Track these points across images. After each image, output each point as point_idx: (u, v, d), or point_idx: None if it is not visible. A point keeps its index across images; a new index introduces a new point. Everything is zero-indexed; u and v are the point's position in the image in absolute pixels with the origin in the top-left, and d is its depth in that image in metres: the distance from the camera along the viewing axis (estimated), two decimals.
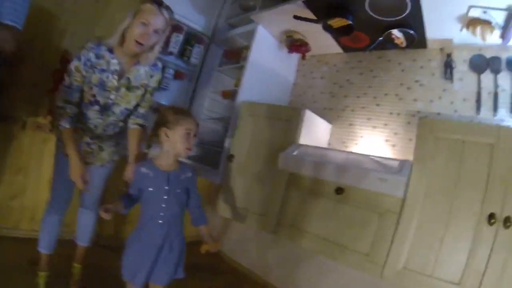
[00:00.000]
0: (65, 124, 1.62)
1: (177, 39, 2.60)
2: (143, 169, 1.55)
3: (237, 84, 2.71)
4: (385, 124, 2.21)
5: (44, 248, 1.82)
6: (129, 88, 1.73)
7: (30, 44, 1.57)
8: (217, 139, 2.84)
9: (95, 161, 1.87)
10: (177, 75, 2.75)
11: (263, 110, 2.18)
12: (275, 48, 2.64)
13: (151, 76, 1.79)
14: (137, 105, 1.82)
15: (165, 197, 1.51)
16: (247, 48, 2.62)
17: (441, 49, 2.07)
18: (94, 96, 1.68)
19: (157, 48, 1.72)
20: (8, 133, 2.20)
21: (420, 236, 1.51)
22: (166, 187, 1.52)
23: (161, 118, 1.56)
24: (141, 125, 1.87)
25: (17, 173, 2.26)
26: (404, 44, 2.08)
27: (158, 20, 1.60)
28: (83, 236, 1.98)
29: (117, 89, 1.70)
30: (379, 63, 2.37)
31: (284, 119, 2.05)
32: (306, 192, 1.86)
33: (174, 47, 2.60)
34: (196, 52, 2.75)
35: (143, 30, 1.58)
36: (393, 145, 2.13)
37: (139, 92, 1.78)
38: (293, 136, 1.99)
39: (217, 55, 2.98)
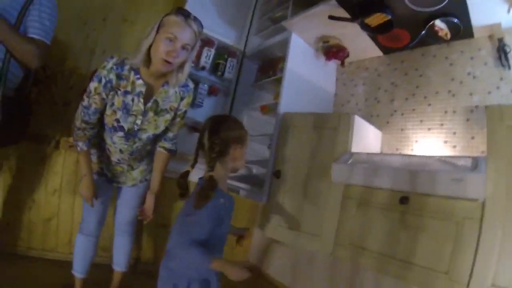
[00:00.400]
0: (83, 147, 1.61)
1: (209, 54, 2.52)
2: (222, 200, 1.32)
3: (276, 97, 2.60)
4: (441, 125, 1.99)
5: (78, 272, 1.79)
6: (157, 112, 1.58)
7: (61, 64, 1.54)
8: (259, 157, 2.71)
9: (126, 180, 1.83)
10: (212, 91, 2.65)
11: (308, 120, 2.01)
12: (312, 57, 2.50)
13: (182, 99, 1.63)
14: (166, 129, 1.71)
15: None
16: (283, 59, 2.49)
17: (490, 36, 1.86)
18: (118, 121, 1.55)
19: (187, 67, 1.53)
20: (42, 153, 2.22)
21: (508, 245, 1.23)
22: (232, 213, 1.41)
23: (234, 134, 1.37)
24: (168, 150, 1.77)
25: (52, 194, 2.24)
26: (448, 36, 1.88)
27: (186, 34, 1.39)
28: (119, 260, 1.93)
29: (143, 113, 1.55)
30: (423, 61, 2.17)
31: (332, 127, 1.87)
32: (365, 205, 1.64)
33: (206, 61, 2.51)
34: (230, 67, 2.66)
35: (170, 47, 1.37)
36: (454, 146, 1.90)
37: (168, 116, 1.63)
38: (344, 145, 1.80)
39: (251, 70, 2.88)
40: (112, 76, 1.46)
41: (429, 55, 2.16)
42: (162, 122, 1.62)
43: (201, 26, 1.46)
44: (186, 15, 1.40)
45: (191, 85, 1.67)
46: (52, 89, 1.86)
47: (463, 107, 1.93)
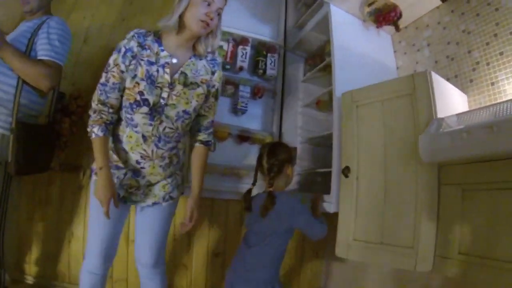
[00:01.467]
0: (99, 132, 1.35)
1: (244, 52, 2.26)
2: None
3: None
4: None
5: None
6: (186, 84, 1.42)
7: (92, 93, 1.42)
8: (321, 162, 2.37)
9: (145, 198, 1.52)
10: (256, 92, 2.34)
11: (373, 93, 1.61)
12: (361, 29, 2.13)
13: (213, 73, 1.51)
14: (198, 116, 1.53)
15: None
16: (328, 42, 2.16)
17: None
18: (142, 93, 1.35)
19: (219, 33, 1.47)
20: (76, 182, 2.16)
21: None
22: None
23: (286, 156, 1.68)
24: (205, 143, 1.58)
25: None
26: None
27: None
28: None
29: (170, 85, 1.38)
30: None
31: (407, 94, 1.46)
32: (476, 190, 1.15)
33: (243, 61, 2.25)
34: (271, 63, 2.35)
35: (207, 9, 1.34)
36: None
37: (201, 90, 1.47)
38: (427, 111, 1.37)
39: (298, 66, 2.56)
40: (133, 43, 1.36)
41: None
42: (194, 96, 1.45)
43: None
44: None
45: (219, 59, 1.58)
46: (84, 119, 1.75)
47: None
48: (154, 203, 1.53)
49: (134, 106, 1.36)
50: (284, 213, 1.57)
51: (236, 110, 2.27)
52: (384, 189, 1.47)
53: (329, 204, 1.71)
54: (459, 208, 1.19)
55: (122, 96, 1.40)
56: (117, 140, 1.45)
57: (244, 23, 2.36)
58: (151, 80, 1.36)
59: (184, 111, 1.43)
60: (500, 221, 1.06)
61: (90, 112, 1.39)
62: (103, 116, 1.37)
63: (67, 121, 1.94)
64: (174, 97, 1.40)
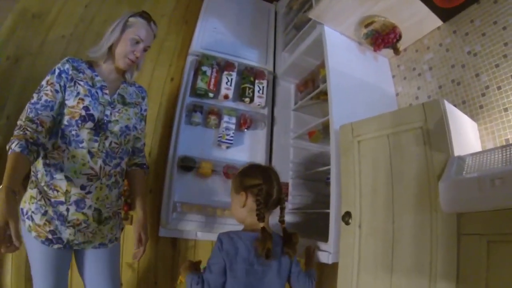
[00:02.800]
0: (16, 147, 1.14)
1: (229, 78, 2.04)
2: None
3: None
4: None
5: None
6: (125, 103, 1.47)
7: None
8: (319, 200, 2.14)
9: (93, 238, 1.37)
10: (243, 123, 2.10)
11: (377, 126, 1.39)
12: (357, 53, 1.95)
13: (143, 98, 1.58)
14: (133, 137, 1.50)
15: None
16: (322, 66, 1.96)
17: None
18: (87, 108, 1.32)
19: (140, 66, 1.56)
20: None
21: None
22: None
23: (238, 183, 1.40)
24: (141, 165, 1.57)
25: None
26: None
27: (149, 37, 1.48)
28: None
29: (110, 104, 1.41)
30: (499, 9, 1.57)
31: (418, 127, 1.23)
32: (506, 242, 0.92)
33: (228, 88, 2.03)
34: (259, 90, 2.13)
35: (135, 47, 1.44)
36: None
37: (137, 110, 1.52)
38: (442, 149, 1.15)
39: (288, 93, 2.36)
40: (68, 66, 1.36)
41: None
42: (133, 114, 1.49)
43: (157, 28, 1.54)
44: (150, 18, 1.50)
45: (144, 88, 1.64)
46: None
47: None
48: (100, 244, 1.41)
49: (79, 121, 1.31)
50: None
51: (220, 143, 2.02)
52: (392, 241, 1.21)
53: (327, 254, 1.45)
54: (484, 263, 0.95)
55: (54, 118, 1.29)
56: (53, 172, 1.29)
57: (229, 47, 2.17)
58: (94, 96, 1.36)
59: (127, 127, 1.44)
60: None
61: (15, 131, 1.22)
62: (27, 132, 1.20)
63: None
64: (116, 114, 1.41)
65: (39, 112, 1.26)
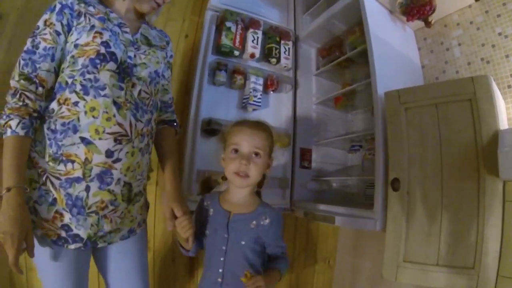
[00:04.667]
0: (18, 128, 1.01)
1: (255, 37, 2.12)
2: (205, 203, 1.37)
3: (344, 86, 2.25)
4: None
5: None
6: (151, 44, 1.32)
7: None
8: (340, 165, 2.37)
9: (121, 224, 1.22)
10: (270, 85, 2.22)
11: (424, 95, 1.57)
12: (388, 21, 2.11)
13: (167, 43, 1.45)
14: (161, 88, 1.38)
15: (224, 247, 1.26)
16: (350, 33, 2.14)
17: None
18: (107, 44, 1.13)
19: (160, 11, 1.44)
20: None
21: None
22: (226, 235, 1.26)
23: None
24: (171, 122, 1.47)
25: None
26: None
27: None
28: None
29: (133, 45, 1.24)
30: None
31: (466, 99, 1.44)
32: None
33: (254, 46, 2.11)
34: (286, 51, 2.25)
35: None
36: None
37: (164, 55, 1.39)
38: (490, 121, 1.37)
39: (309, 56, 2.51)
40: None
41: None
42: (162, 58, 1.35)
43: None
44: None
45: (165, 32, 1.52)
46: None
47: None
48: (129, 231, 1.26)
49: (97, 61, 1.11)
50: None
51: (246, 105, 2.13)
52: (441, 206, 1.44)
53: (373, 221, 1.64)
54: None
55: (56, 72, 1.14)
56: (63, 137, 1.09)
57: (252, 4, 2.24)
58: (114, 32, 1.18)
59: (156, 72, 1.29)
60: None
61: (8, 96, 1.07)
62: (28, 101, 1.06)
63: None
64: (142, 56, 1.25)
65: (37, 65, 1.09)
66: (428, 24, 2.11)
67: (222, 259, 1.26)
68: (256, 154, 1.28)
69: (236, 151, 1.27)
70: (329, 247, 2.71)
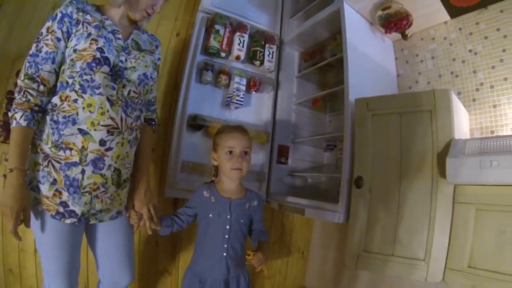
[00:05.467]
0: (21, 120, 1.21)
1: (242, 40, 2.29)
2: (205, 193, 1.62)
3: (324, 88, 2.42)
4: None
5: None
6: (140, 49, 1.51)
7: None
8: (315, 163, 2.55)
9: (111, 205, 1.40)
10: (252, 85, 2.39)
11: (390, 104, 1.76)
12: (367, 31, 2.29)
13: (156, 47, 1.63)
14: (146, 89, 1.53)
15: (228, 226, 1.57)
16: (332, 39, 2.33)
17: None
18: (101, 50, 1.31)
19: (153, 15, 1.54)
20: None
21: None
22: (229, 216, 1.58)
23: (213, 141, 1.67)
24: (149, 121, 1.64)
25: None
26: None
27: None
28: None
29: (125, 50, 1.43)
30: (504, 18, 1.97)
31: (427, 110, 1.63)
32: (488, 210, 1.38)
33: (240, 49, 2.28)
34: (269, 54, 2.43)
35: (156, 1, 1.45)
36: None
37: (153, 59, 1.57)
38: (447, 131, 1.55)
39: (292, 59, 2.68)
40: (72, 9, 1.33)
41: (509, 10, 1.96)
42: (150, 62, 1.53)
43: None
44: None
45: (156, 36, 1.69)
46: None
47: None
48: (118, 213, 1.45)
49: (93, 64, 1.29)
50: None
51: (229, 103, 2.31)
52: (398, 203, 1.64)
53: (338, 214, 1.83)
54: (471, 226, 1.41)
55: (56, 73, 1.32)
56: (64, 127, 1.28)
57: (240, 7, 2.39)
58: (108, 39, 1.36)
59: (145, 75, 1.47)
60: (506, 241, 1.31)
61: (15, 93, 1.26)
62: (30, 98, 1.24)
63: None
64: (133, 60, 1.43)
65: (40, 66, 1.27)
66: (404, 37, 2.28)
67: (226, 236, 1.56)
68: (246, 152, 1.61)
69: (230, 152, 1.58)
70: (303, 239, 2.90)
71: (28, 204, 1.22)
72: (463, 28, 2.19)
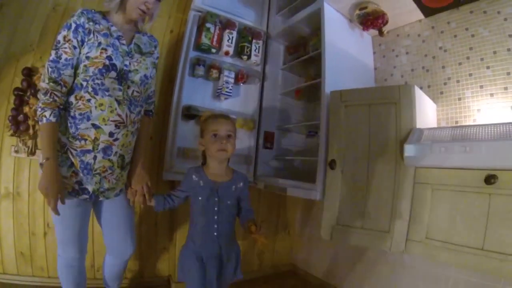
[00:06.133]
0: (51, 117, 1.45)
1: (231, 37, 2.50)
2: (194, 177, 1.73)
3: (308, 79, 2.64)
4: (505, 88, 1.99)
5: None
6: (142, 53, 1.73)
7: None
8: (299, 147, 2.79)
9: (116, 185, 1.69)
10: (240, 78, 2.63)
11: (361, 97, 1.98)
12: (347, 28, 2.50)
13: (155, 47, 1.84)
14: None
15: (216, 208, 1.70)
16: (314, 35, 2.53)
17: None
18: (110, 58, 1.56)
19: (155, 16, 1.77)
20: None
21: None
22: (216, 198, 1.70)
23: (200, 127, 1.79)
24: (147, 113, 1.87)
25: None
26: None
27: None
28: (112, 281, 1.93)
29: (128, 54, 1.65)
30: (473, 19, 2.17)
31: (392, 103, 1.84)
32: (442, 190, 1.61)
33: (229, 45, 2.50)
34: (256, 49, 2.64)
35: None
36: None
37: (152, 59, 1.79)
38: (408, 121, 1.78)
39: (278, 52, 2.90)
40: (84, 19, 1.55)
41: (478, 11, 2.15)
42: (150, 63, 1.75)
43: None
44: None
45: (155, 37, 1.89)
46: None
47: None
48: (121, 191, 1.73)
49: (104, 70, 1.53)
50: None
51: (219, 95, 2.53)
52: (366, 183, 1.88)
53: (314, 193, 2.11)
54: (428, 203, 1.65)
55: (74, 76, 1.54)
56: (79, 122, 1.53)
57: (230, 5, 2.60)
58: (115, 46, 1.60)
59: (145, 76, 1.71)
60: (458, 215, 1.54)
61: (40, 94, 1.49)
62: (56, 98, 1.48)
63: (35, 103, 2.07)
64: (135, 64, 1.66)
65: (62, 72, 1.49)
66: (381, 33, 2.49)
67: (216, 217, 1.70)
68: (229, 136, 1.72)
69: (215, 135, 1.70)
70: (289, 218, 3.17)
71: (62, 186, 1.49)
72: (436, 27, 2.39)
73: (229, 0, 2.63)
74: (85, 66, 1.53)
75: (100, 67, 1.53)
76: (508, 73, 2.01)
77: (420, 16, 2.42)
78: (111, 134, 1.58)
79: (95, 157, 1.57)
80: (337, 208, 1.99)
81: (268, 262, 3.00)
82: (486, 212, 1.45)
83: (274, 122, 2.82)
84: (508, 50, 2.02)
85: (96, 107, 1.53)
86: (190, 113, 2.39)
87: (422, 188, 1.69)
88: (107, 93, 1.55)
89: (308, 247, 3.06)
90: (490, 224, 1.43)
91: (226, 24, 2.52)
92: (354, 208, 1.93)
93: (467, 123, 2.12)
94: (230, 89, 2.54)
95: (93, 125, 1.54)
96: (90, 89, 1.53)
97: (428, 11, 2.36)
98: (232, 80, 2.56)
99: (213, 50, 2.48)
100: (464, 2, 2.15)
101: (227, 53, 2.53)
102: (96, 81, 1.53)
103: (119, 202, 1.75)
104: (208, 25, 2.42)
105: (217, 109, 2.53)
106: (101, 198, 1.65)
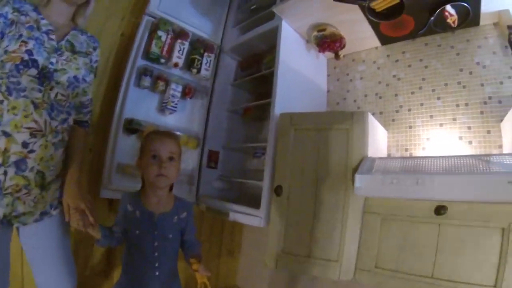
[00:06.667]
0: None
1: (182, 48, 2.37)
2: (129, 206, 1.49)
3: (257, 99, 2.56)
4: (454, 119, 2.05)
5: None
6: (74, 51, 1.50)
7: None
8: (251, 171, 2.69)
9: (35, 208, 1.37)
10: (187, 92, 2.49)
11: (312, 121, 1.92)
12: (303, 49, 2.46)
13: (94, 48, 1.62)
14: (80, 91, 1.53)
15: (156, 243, 1.48)
16: (268, 52, 2.47)
17: (495, 24, 1.98)
18: (30, 52, 1.32)
19: (91, 5, 1.59)
20: None
21: None
22: (156, 232, 1.48)
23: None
24: (81, 123, 1.60)
25: None
26: (456, 23, 1.94)
27: None
28: None
29: (57, 51, 1.42)
30: (427, 51, 2.23)
31: (344, 129, 1.80)
32: (392, 220, 1.59)
33: (179, 56, 2.35)
34: (207, 63, 2.53)
35: None
36: (469, 142, 1.96)
37: (87, 61, 1.56)
38: (360, 149, 1.74)
39: (229, 67, 2.80)
40: (8, 9, 1.34)
41: (433, 44, 2.22)
42: (83, 64, 1.53)
43: None
44: None
45: (96, 38, 1.68)
46: None
47: (475, 99, 1.99)
48: (42, 214, 1.40)
49: (21, 67, 1.29)
50: None
51: (164, 109, 2.39)
52: (314, 210, 1.82)
53: (258, 219, 2.00)
54: (377, 232, 1.62)
55: None
56: None
57: (186, 13, 2.47)
58: (39, 40, 1.36)
59: (75, 77, 1.48)
60: (407, 245, 1.53)
61: None
62: None
63: None
64: (64, 62, 1.44)
65: None
66: (337, 57, 2.48)
67: (156, 254, 1.47)
68: (171, 158, 1.50)
69: (154, 157, 1.46)
70: (234, 241, 3.05)
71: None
72: (391, 55, 2.43)
73: (186, 8, 2.51)
74: (2, 62, 1.29)
75: (18, 62, 1.29)
76: (457, 105, 2.07)
77: (377, 43, 2.45)
78: (24, 145, 1.29)
79: (5, 173, 1.26)
80: (283, 237, 1.90)
81: (212, 285, 2.83)
82: (435, 241, 1.46)
83: (220, 140, 2.71)
84: (459, 83, 2.09)
85: (8, 110, 1.27)
86: (132, 127, 2.20)
87: (372, 218, 1.66)
88: (22, 94, 1.29)
89: (254, 269, 2.96)
90: (439, 253, 1.45)
91: (179, 34, 2.40)
92: (300, 236, 1.85)
93: (417, 151, 2.16)
94: (176, 104, 2.40)
95: (3, 133, 1.26)
96: (3, 89, 1.28)
97: (385, 39, 2.39)
98: (179, 94, 2.42)
99: (162, 60, 2.33)
100: (421, 34, 2.20)
101: (176, 65, 2.38)
102: (12, 79, 1.29)
103: (44, 228, 1.42)
104: (160, 33, 2.28)
105: (161, 123, 2.39)
106: (15, 225, 1.34)
